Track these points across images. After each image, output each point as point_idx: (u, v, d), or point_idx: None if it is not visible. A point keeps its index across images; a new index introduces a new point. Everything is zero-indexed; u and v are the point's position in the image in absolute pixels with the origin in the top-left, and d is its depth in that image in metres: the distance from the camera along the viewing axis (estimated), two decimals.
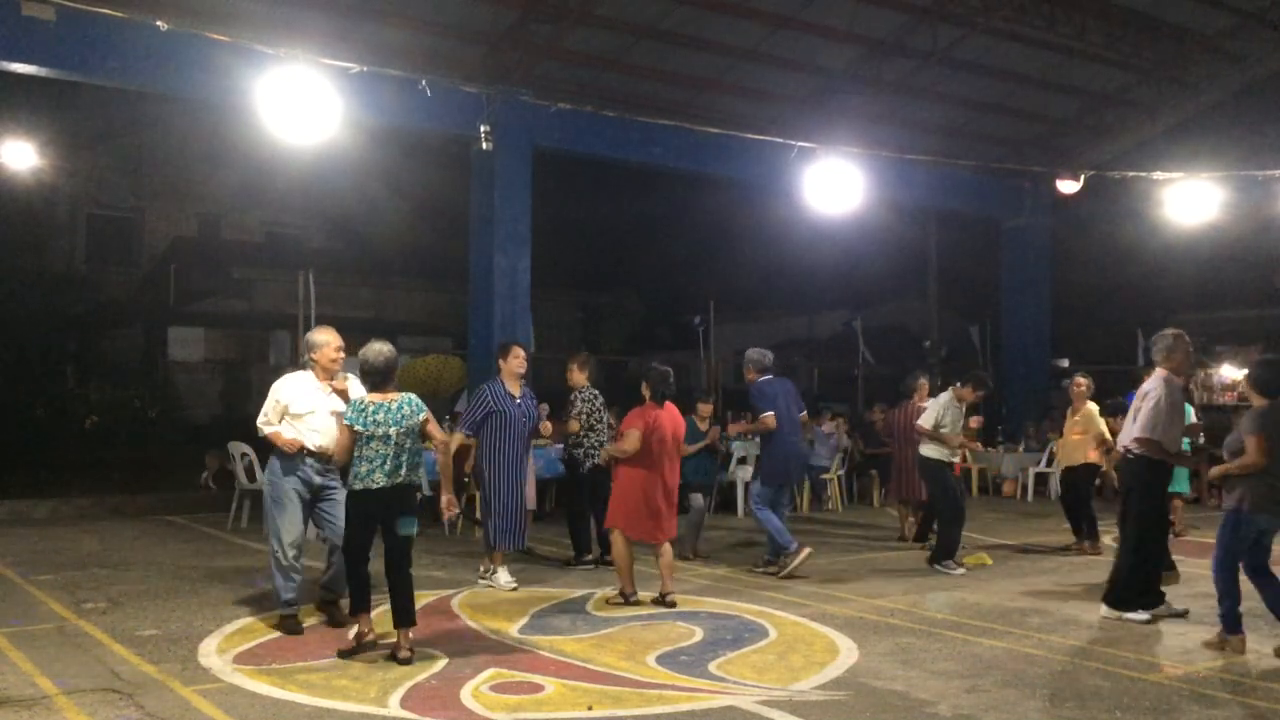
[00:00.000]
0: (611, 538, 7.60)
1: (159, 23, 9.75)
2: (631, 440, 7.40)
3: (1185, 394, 7.31)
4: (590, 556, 9.26)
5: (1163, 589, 7.21)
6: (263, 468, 11.29)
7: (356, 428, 6.01)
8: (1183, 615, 7.05)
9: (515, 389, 8.23)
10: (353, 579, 6.16)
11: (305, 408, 6.68)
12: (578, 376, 9.37)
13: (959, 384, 9.85)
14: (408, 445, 6.09)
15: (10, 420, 16.06)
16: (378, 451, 6.00)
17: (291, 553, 6.65)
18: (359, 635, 6.09)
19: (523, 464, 8.22)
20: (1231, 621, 6.28)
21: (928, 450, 9.47)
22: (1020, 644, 6.48)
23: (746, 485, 13.20)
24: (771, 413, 8.77)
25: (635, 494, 7.45)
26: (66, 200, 23.76)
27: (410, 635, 5.99)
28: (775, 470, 8.97)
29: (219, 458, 12.90)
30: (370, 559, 6.20)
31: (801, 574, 8.56)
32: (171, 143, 24.03)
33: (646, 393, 7.55)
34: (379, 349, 6.18)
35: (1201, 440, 14.74)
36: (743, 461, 13.00)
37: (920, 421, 9.54)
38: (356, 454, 6.03)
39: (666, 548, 7.62)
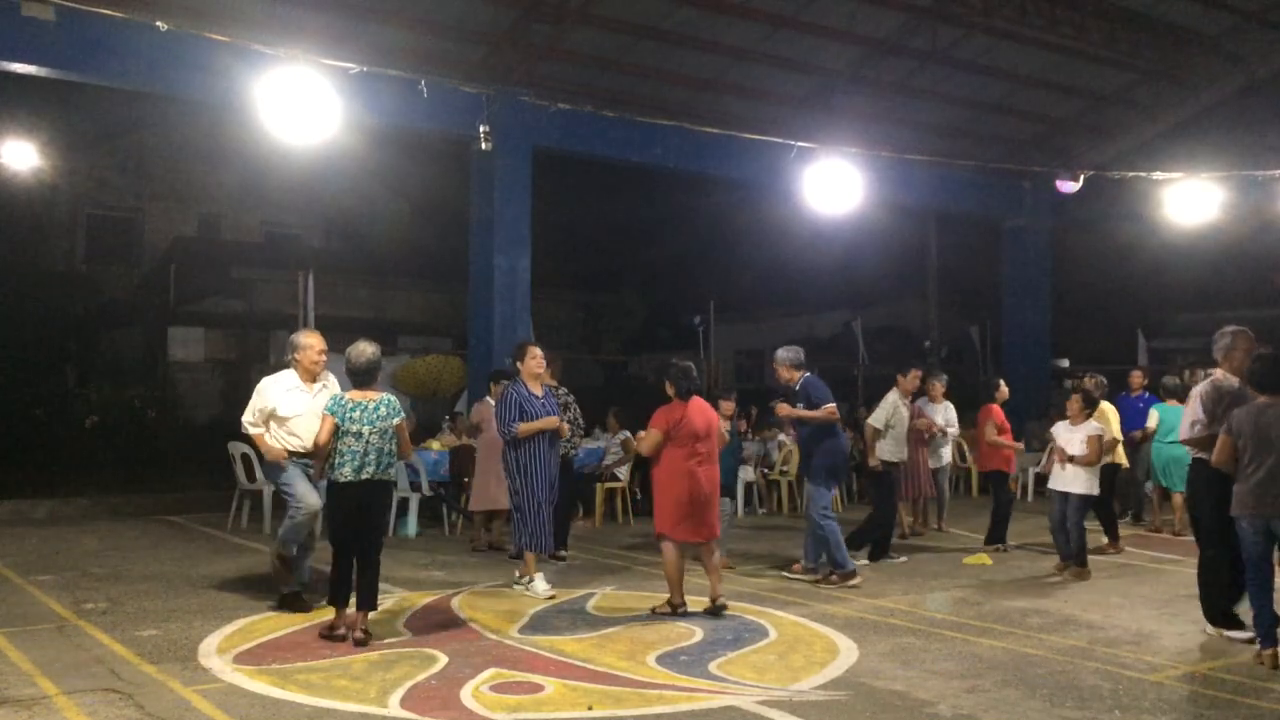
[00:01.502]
0: (662, 546, 7.32)
1: (159, 23, 9.74)
2: (648, 440, 7.25)
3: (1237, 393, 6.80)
4: (565, 552, 9.35)
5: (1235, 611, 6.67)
6: (262, 468, 11.39)
7: (336, 420, 6.28)
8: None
9: (536, 389, 8.10)
10: (333, 569, 6.38)
11: (291, 411, 6.99)
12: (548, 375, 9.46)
13: (898, 377, 9.86)
14: (378, 445, 6.31)
15: (10, 420, 16.05)
16: (350, 447, 6.26)
17: (304, 516, 6.96)
18: (332, 626, 6.35)
19: (552, 464, 8.05)
20: (1264, 635, 5.93)
21: (880, 449, 9.53)
22: (1020, 644, 6.48)
23: (748, 485, 13.22)
24: (834, 404, 8.54)
25: (678, 494, 7.20)
26: (66, 200, 23.74)
27: (368, 618, 6.31)
28: (836, 468, 8.70)
29: None
30: (353, 554, 6.39)
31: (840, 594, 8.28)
32: (171, 143, 24.04)
33: (670, 391, 7.37)
34: (362, 349, 6.42)
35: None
36: (743, 462, 12.99)
37: (870, 421, 9.64)
38: (335, 447, 6.30)
39: (714, 549, 7.44)
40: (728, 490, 9.61)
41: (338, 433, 6.24)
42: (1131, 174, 14.43)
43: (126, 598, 7.64)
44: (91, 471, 14.88)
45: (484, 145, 12.49)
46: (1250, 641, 6.28)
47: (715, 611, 7.19)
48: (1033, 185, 18.36)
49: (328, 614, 6.85)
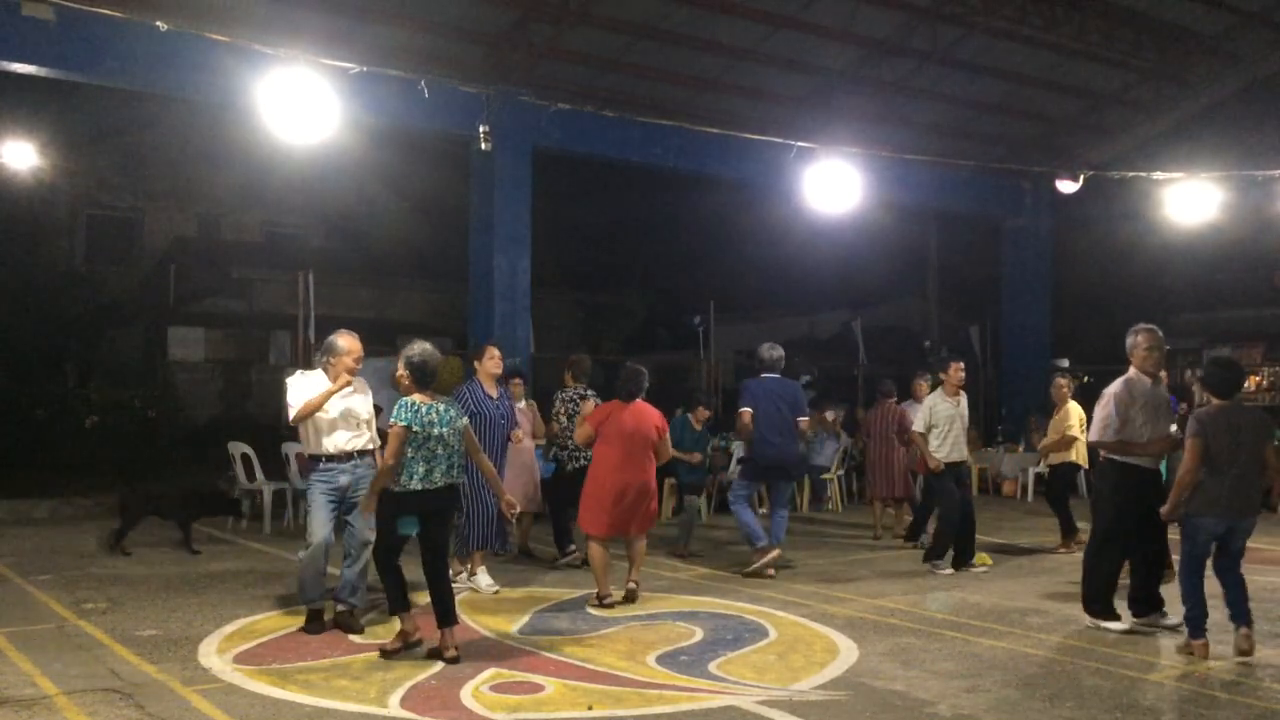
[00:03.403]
0: (589, 544, 7.65)
1: (159, 23, 9.74)
2: (581, 432, 7.78)
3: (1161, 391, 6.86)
4: (574, 547, 9.33)
5: (1160, 594, 6.93)
6: (262, 468, 11.42)
7: (414, 428, 5.96)
8: (1176, 629, 6.61)
9: (492, 390, 8.26)
10: (388, 577, 6.15)
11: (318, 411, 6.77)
12: (566, 378, 9.62)
13: (940, 374, 9.51)
14: (457, 447, 6.15)
15: (10, 420, 16.06)
16: (434, 451, 6.02)
17: (311, 548, 6.70)
18: (404, 634, 6.06)
19: (501, 465, 8.09)
20: (1195, 627, 6.12)
21: (934, 451, 9.20)
22: (1020, 644, 6.48)
23: None
24: (746, 410, 8.77)
25: (595, 490, 7.56)
26: (66, 200, 23.71)
27: (456, 634, 6.05)
28: (749, 467, 9.08)
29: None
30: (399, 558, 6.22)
31: (766, 575, 8.58)
32: (171, 143, 24.01)
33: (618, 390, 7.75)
34: (428, 349, 6.19)
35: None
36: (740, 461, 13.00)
37: (914, 428, 9.33)
38: (411, 453, 5.99)
39: (637, 539, 7.69)
40: (694, 488, 10.25)
41: (416, 439, 5.95)
42: (1131, 174, 14.42)
43: (126, 598, 7.64)
44: (91, 471, 14.88)
45: (484, 145, 12.48)
46: (1126, 633, 6.67)
47: (628, 597, 7.55)
48: (1033, 185, 18.37)
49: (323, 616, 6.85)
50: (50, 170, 17.35)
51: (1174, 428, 7.27)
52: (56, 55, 11.14)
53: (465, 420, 6.28)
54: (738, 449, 12.85)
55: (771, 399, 8.82)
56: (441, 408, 6.13)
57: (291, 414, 6.78)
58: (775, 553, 8.70)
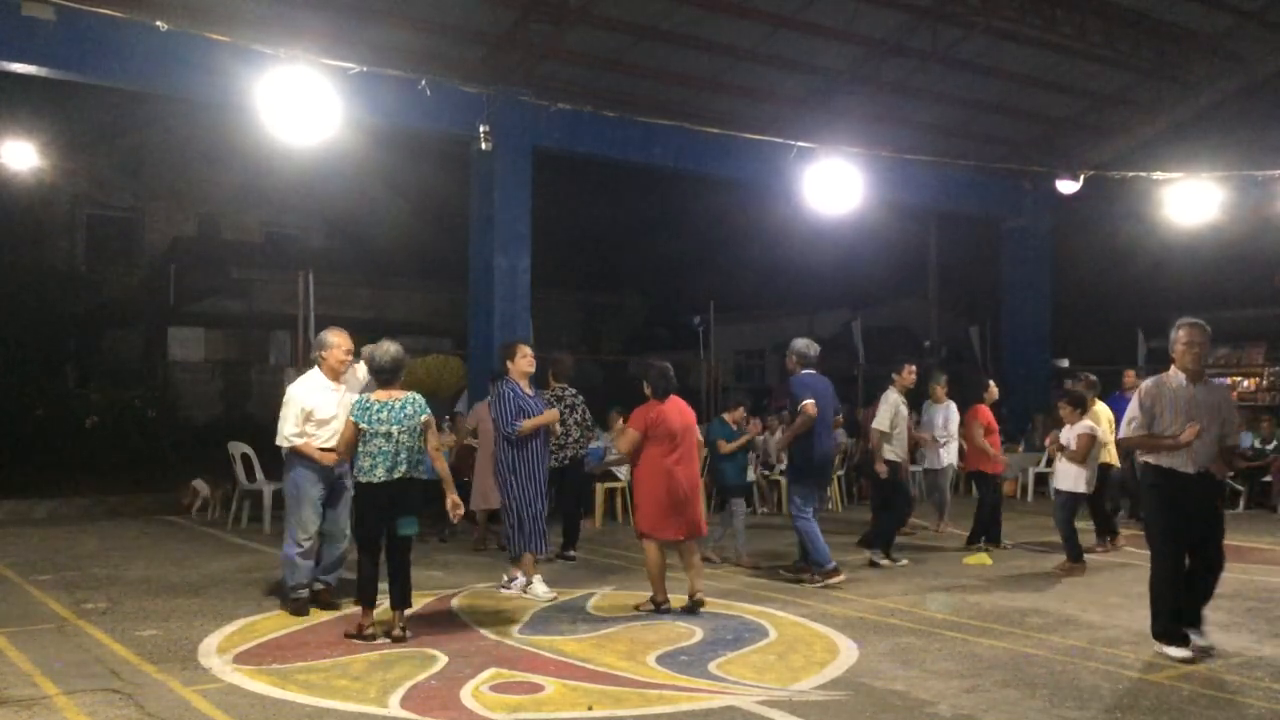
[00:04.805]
0: (644, 545, 7.37)
1: (159, 23, 9.75)
2: (626, 439, 7.40)
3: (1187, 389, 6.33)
4: (574, 552, 9.42)
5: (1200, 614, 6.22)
6: (262, 468, 11.43)
7: (361, 425, 6.26)
8: (1208, 651, 6.14)
9: (527, 387, 8.10)
10: (360, 570, 6.43)
11: (327, 413, 6.96)
12: (548, 379, 9.67)
13: (894, 375, 9.75)
14: (408, 444, 6.31)
15: (10, 420, 16.04)
16: (379, 448, 6.26)
17: (307, 543, 7.00)
18: (360, 626, 6.36)
19: (544, 465, 8.00)
20: None
21: (885, 450, 9.49)
22: (1020, 644, 6.48)
23: (748, 484, 13.20)
24: (813, 400, 8.43)
25: (656, 492, 7.28)
26: (66, 200, 23.71)
27: (405, 615, 6.41)
28: (810, 469, 8.58)
29: (208, 485, 12.51)
30: (380, 552, 6.47)
31: (805, 581, 8.42)
32: (171, 143, 24.00)
33: (648, 391, 7.48)
34: (386, 348, 6.44)
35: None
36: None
37: (875, 425, 9.48)
38: (360, 449, 6.29)
39: (692, 546, 7.47)
40: (739, 491, 9.73)
41: (363, 436, 6.26)
42: (1131, 174, 14.42)
43: (126, 598, 7.64)
44: (91, 471, 14.88)
45: (484, 145, 12.49)
46: (1188, 661, 5.97)
47: (692, 608, 7.25)
48: (1033, 185, 18.36)
49: (322, 616, 6.94)
50: (50, 170, 17.32)
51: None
52: (56, 55, 11.13)
53: (425, 417, 6.41)
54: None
55: (825, 397, 8.61)
56: (397, 405, 6.31)
57: (293, 439, 6.91)
58: (841, 577, 8.37)
